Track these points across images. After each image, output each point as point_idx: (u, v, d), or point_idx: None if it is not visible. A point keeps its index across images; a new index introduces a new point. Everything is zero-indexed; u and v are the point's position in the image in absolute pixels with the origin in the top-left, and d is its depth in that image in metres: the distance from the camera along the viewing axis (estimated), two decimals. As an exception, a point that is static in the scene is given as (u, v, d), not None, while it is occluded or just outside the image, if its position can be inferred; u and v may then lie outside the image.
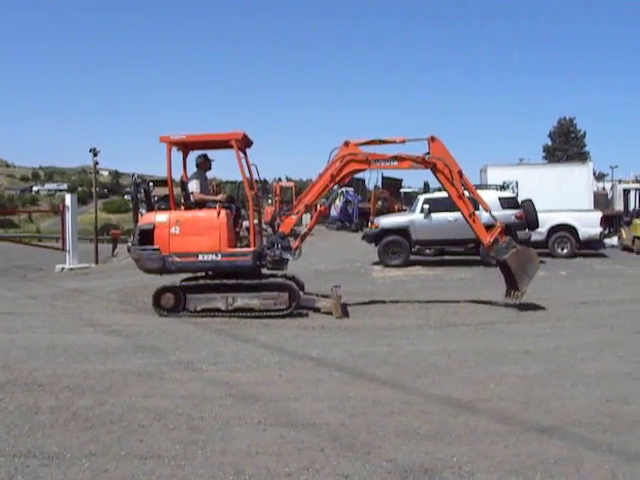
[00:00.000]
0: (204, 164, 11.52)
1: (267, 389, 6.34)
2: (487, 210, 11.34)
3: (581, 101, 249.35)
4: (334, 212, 34.66)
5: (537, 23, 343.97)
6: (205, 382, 6.62)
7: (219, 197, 11.34)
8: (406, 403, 5.85)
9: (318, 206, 13.54)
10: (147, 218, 10.91)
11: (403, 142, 11.34)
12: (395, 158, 11.25)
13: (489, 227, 11.25)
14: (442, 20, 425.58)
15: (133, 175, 12.03)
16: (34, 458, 4.64)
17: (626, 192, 28.61)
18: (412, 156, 11.27)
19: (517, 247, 11.02)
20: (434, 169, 11.14)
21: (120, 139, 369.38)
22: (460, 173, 11.08)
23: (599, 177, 46.10)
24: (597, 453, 4.61)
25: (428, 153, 11.13)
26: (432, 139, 11.12)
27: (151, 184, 11.54)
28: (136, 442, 4.92)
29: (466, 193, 11.18)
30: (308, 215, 21.38)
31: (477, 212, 11.34)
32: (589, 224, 21.37)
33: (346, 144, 11.20)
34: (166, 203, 11.01)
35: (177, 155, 11.41)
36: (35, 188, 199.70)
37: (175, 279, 11.04)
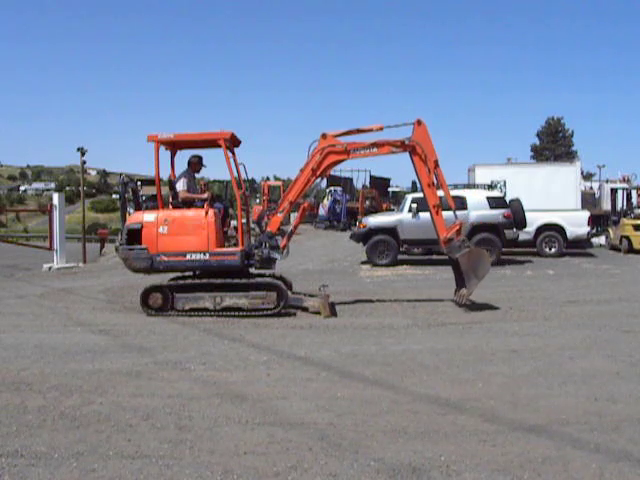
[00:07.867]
0: (196, 165, 11.50)
1: (255, 388, 6.33)
2: (452, 207, 11.41)
3: (569, 101, 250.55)
4: (322, 211, 34.67)
5: (525, 22, 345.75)
6: (193, 381, 6.61)
7: (204, 195, 11.31)
8: (394, 402, 5.85)
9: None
10: (135, 217, 10.88)
11: (381, 129, 11.21)
12: (374, 145, 11.21)
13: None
14: (429, 19, 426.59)
15: (121, 174, 11.99)
16: (21, 458, 4.62)
17: (613, 192, 28.74)
18: (390, 141, 11.20)
19: (471, 247, 11.17)
20: (412, 152, 11.09)
21: (108, 138, 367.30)
22: (436, 163, 11.06)
23: (587, 177, 46.28)
24: (585, 452, 4.64)
25: (409, 138, 11.10)
26: (418, 122, 11.09)
27: (139, 183, 11.54)
28: (124, 442, 4.91)
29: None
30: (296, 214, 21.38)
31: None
32: (577, 223, 21.49)
33: (324, 136, 11.15)
34: (154, 202, 11.00)
35: (165, 154, 11.40)
36: (22, 187, 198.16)
37: (163, 278, 11.03)
